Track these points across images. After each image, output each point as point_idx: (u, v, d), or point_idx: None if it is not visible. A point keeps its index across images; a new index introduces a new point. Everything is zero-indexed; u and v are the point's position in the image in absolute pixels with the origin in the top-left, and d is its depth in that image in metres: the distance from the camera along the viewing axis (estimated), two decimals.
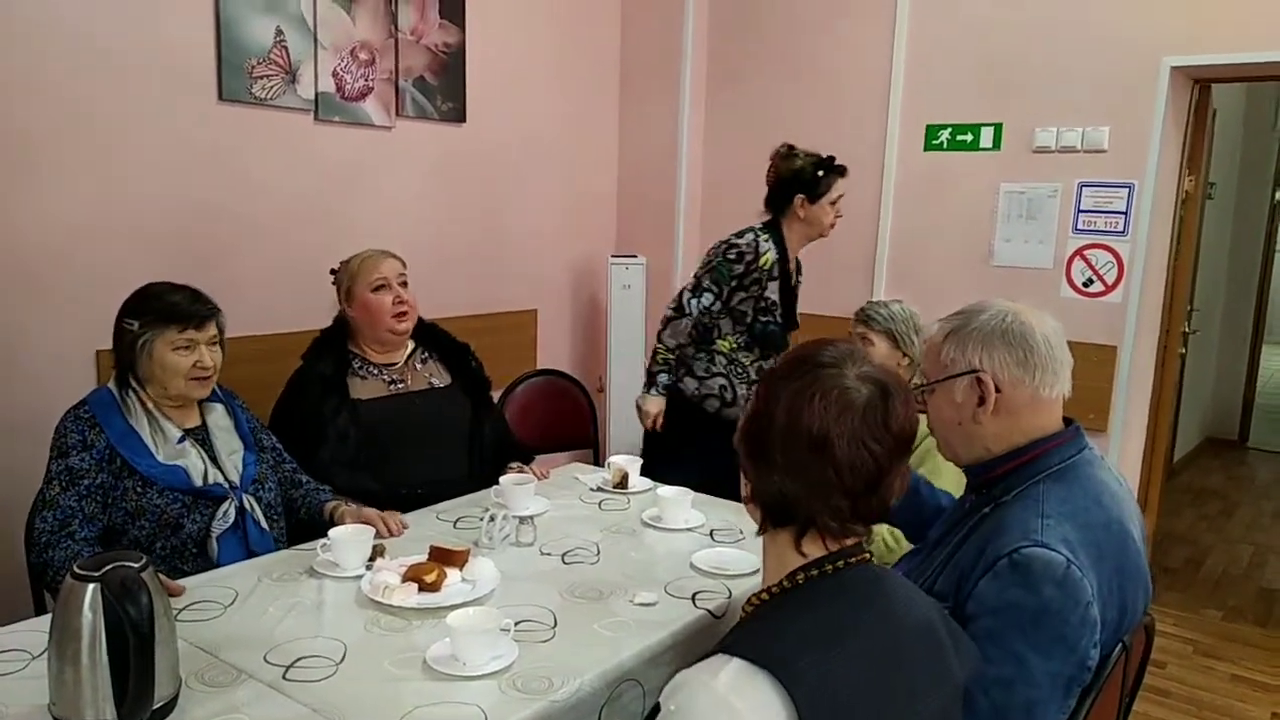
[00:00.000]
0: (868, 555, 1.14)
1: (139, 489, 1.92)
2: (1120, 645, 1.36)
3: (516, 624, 1.58)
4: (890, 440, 1.08)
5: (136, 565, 1.29)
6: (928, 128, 3.68)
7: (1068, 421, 1.47)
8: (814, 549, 1.11)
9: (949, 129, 3.63)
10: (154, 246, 2.69)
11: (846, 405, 1.06)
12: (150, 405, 2.00)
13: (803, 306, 3.99)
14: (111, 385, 2.01)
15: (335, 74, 3.11)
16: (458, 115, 3.55)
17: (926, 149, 3.70)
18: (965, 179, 3.62)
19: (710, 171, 4.27)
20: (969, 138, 3.59)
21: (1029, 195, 3.49)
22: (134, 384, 2.00)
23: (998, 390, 1.40)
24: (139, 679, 1.23)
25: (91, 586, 1.25)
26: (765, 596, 1.12)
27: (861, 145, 3.81)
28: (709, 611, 1.71)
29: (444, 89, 3.48)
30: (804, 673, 0.96)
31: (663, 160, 4.21)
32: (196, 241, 2.81)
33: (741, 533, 2.11)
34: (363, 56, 3.18)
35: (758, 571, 1.72)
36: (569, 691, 1.43)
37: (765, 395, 1.12)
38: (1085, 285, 3.41)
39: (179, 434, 2.01)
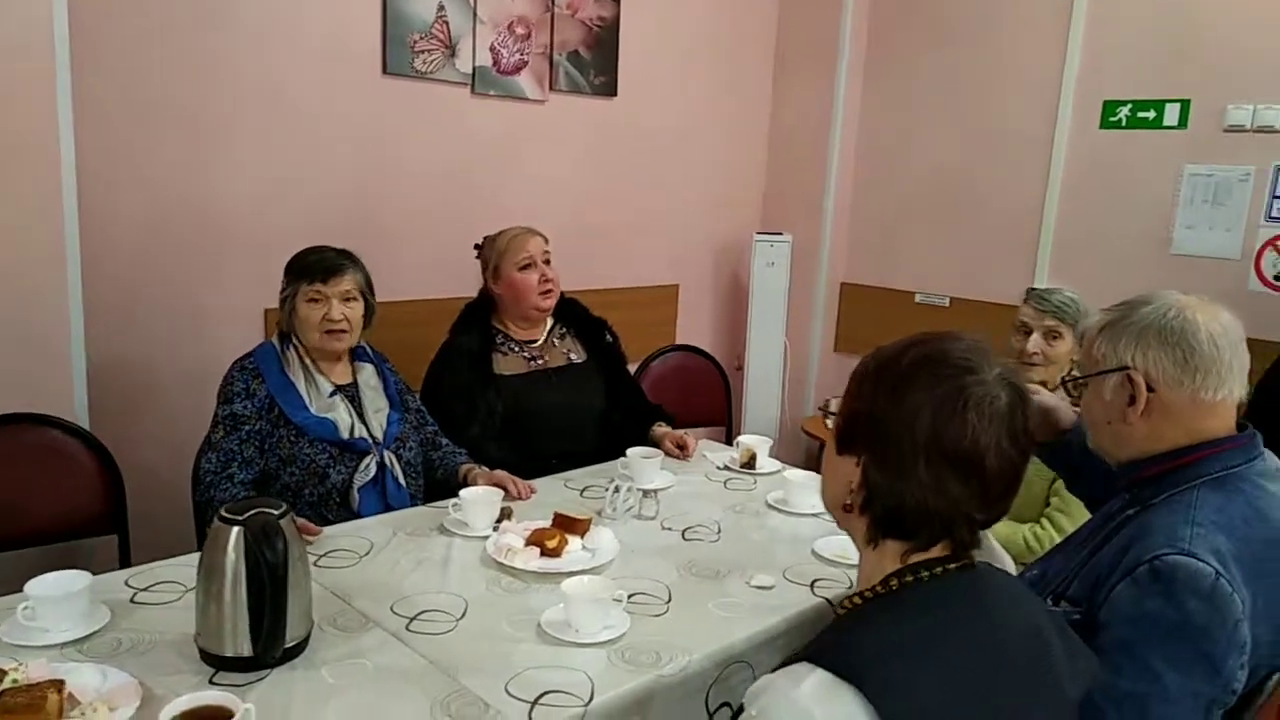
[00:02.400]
0: (972, 558, 1.06)
1: (292, 438, 2.05)
2: (1279, 675, 1.23)
3: (630, 596, 1.60)
4: (1026, 442, 1.03)
5: (276, 512, 1.37)
6: (1105, 104, 3.42)
7: (1242, 427, 1.34)
8: (921, 555, 1.05)
9: (1129, 105, 3.37)
10: (319, 214, 2.84)
11: (995, 415, 0.99)
12: (308, 361, 2.13)
13: (955, 291, 3.84)
14: (274, 340, 2.16)
15: (492, 48, 3.18)
16: (609, 89, 3.57)
17: (1103, 127, 3.44)
18: (1144, 160, 3.34)
19: (864, 149, 4.12)
20: (1151, 115, 3.32)
21: (1217, 178, 3.19)
22: (295, 339, 2.14)
23: (1151, 390, 1.29)
24: (273, 618, 1.32)
25: (235, 529, 1.34)
26: (858, 600, 1.06)
27: (1030, 122, 3.59)
28: (827, 600, 1.67)
29: (596, 63, 3.51)
30: (891, 688, 0.91)
31: (815, 137, 4.10)
32: (358, 209, 2.95)
33: None
34: (519, 31, 3.25)
35: None
36: (676, 667, 1.43)
37: (895, 397, 1.02)
38: (1277, 279, 3.10)
39: (331, 388, 2.14)
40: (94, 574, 1.51)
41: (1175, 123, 3.27)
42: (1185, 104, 3.24)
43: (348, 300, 2.13)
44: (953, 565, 1.04)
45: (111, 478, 2.18)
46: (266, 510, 1.37)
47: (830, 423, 1.15)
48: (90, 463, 2.17)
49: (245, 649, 1.34)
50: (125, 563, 2.10)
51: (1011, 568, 1.56)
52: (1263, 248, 3.12)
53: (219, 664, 1.35)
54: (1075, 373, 1.43)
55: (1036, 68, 3.58)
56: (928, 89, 3.89)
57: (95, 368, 2.38)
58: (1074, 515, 2.08)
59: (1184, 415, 1.30)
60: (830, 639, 1.03)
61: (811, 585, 1.73)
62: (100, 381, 2.41)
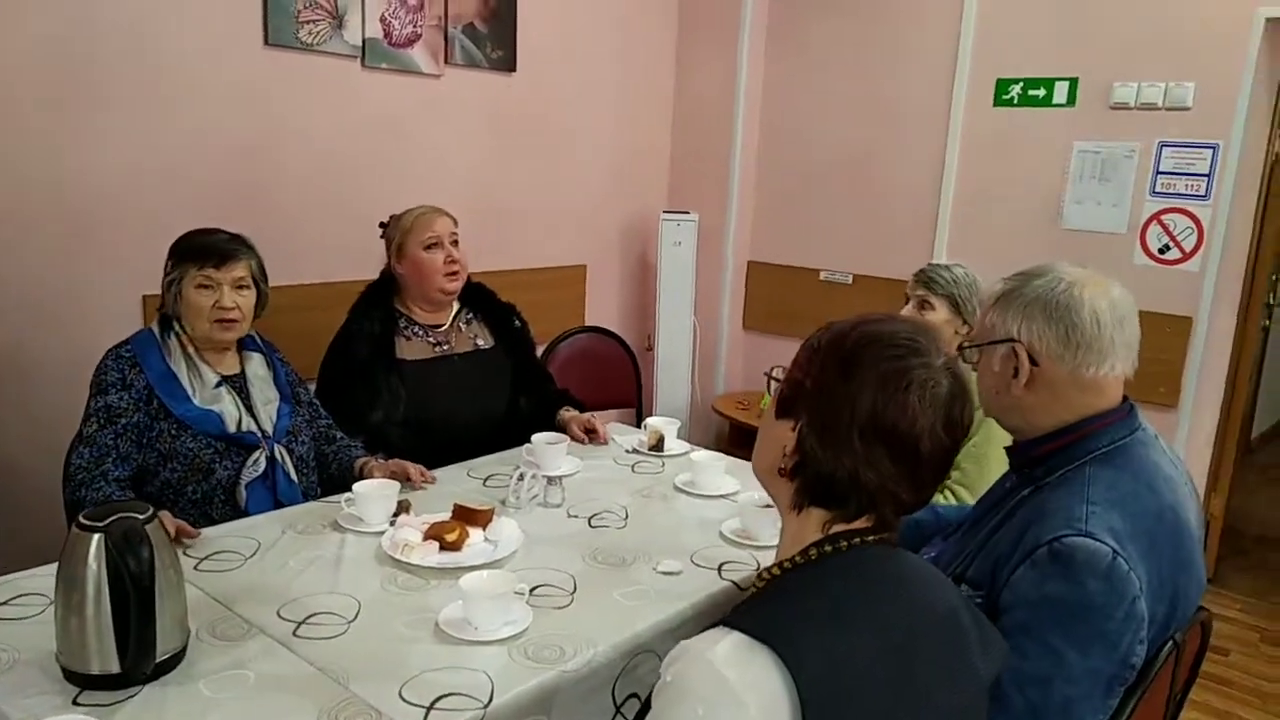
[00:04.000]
0: (892, 536, 1.06)
1: (173, 432, 1.93)
2: (1171, 643, 1.26)
3: (533, 589, 1.55)
4: (960, 432, 1.03)
5: (142, 517, 1.27)
6: (998, 82, 3.49)
7: (1123, 399, 1.36)
8: (843, 525, 1.04)
9: (1020, 83, 3.44)
10: (200, 193, 2.68)
11: (934, 400, 1.00)
12: (191, 349, 2.00)
13: (857, 268, 3.89)
14: (154, 326, 2.02)
15: (383, 19, 3.05)
16: (508, 64, 3.47)
17: (996, 104, 3.51)
18: (1036, 137, 3.43)
19: (768, 126, 4.13)
20: (1041, 93, 3.40)
21: (1104, 155, 3.29)
22: (177, 327, 2.00)
23: (1034, 364, 1.30)
24: (140, 631, 1.22)
25: (96, 537, 1.24)
26: (776, 571, 1.06)
27: (927, 100, 3.64)
28: (734, 584, 1.65)
29: (494, 36, 3.40)
30: (808, 651, 0.90)
31: (719, 114, 4.08)
32: (241, 189, 2.79)
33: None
34: (411, 2, 3.12)
35: None
36: (581, 661, 1.38)
37: (841, 370, 1.01)
38: (1161, 252, 3.22)
39: (216, 379, 2.01)
40: None
41: (1064, 100, 3.36)
42: (1074, 82, 3.33)
43: (240, 288, 2.00)
44: (872, 538, 1.03)
45: None
46: (130, 515, 1.26)
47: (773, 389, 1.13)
48: None
49: (112, 665, 1.23)
50: None
51: None
52: (1147, 222, 3.23)
53: (84, 683, 1.24)
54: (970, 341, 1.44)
55: (932, 45, 3.62)
56: (828, 66, 3.91)
57: None
58: (975, 488, 2.11)
59: (1066, 390, 1.31)
60: (748, 606, 1.01)
61: (719, 569, 1.70)
62: None
